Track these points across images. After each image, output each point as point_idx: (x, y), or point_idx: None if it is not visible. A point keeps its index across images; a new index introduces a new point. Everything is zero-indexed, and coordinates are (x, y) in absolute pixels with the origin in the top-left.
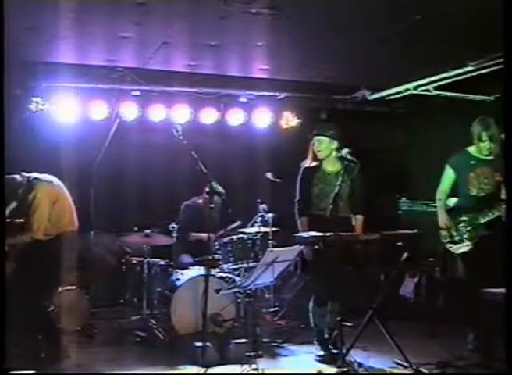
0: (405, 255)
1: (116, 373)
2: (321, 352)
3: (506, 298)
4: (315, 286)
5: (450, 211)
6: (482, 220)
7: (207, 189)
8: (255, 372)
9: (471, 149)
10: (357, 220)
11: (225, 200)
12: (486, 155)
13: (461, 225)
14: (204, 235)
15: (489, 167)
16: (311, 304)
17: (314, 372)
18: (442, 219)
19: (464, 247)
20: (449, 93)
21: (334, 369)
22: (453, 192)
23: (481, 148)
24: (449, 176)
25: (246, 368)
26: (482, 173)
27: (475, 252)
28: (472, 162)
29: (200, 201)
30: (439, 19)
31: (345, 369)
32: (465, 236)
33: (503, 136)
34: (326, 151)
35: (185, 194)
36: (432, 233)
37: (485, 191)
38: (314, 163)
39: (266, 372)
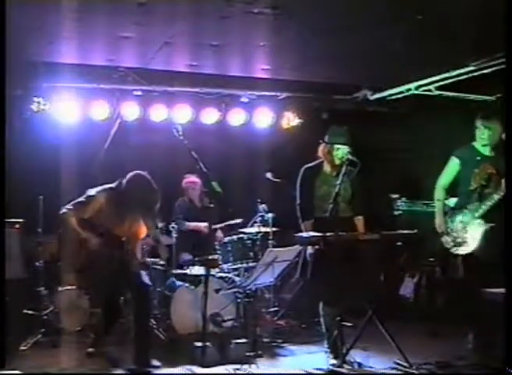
0: None
1: (116, 373)
2: (335, 361)
3: (506, 298)
4: (326, 286)
5: (448, 212)
6: (477, 214)
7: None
8: (242, 372)
9: (476, 144)
10: (359, 221)
11: (222, 200)
12: (484, 145)
13: (460, 225)
14: (201, 224)
15: (489, 163)
16: (321, 306)
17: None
18: (440, 222)
19: (468, 247)
20: (451, 93)
21: None
22: (452, 188)
23: (479, 137)
24: (454, 167)
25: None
26: (484, 170)
27: (477, 251)
28: (478, 158)
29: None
30: (440, 18)
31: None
32: (466, 235)
33: (503, 136)
34: (344, 158)
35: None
36: (432, 234)
37: (480, 185)
38: (325, 167)
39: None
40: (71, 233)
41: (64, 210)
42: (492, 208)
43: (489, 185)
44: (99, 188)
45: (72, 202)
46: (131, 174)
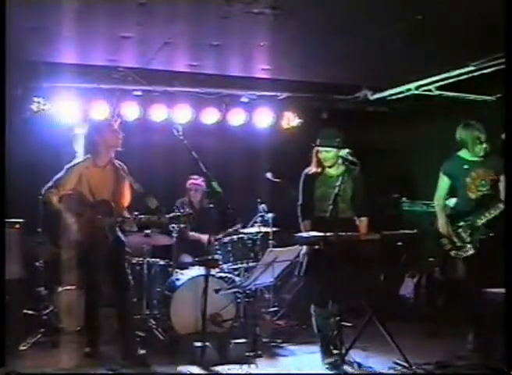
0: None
1: (116, 373)
2: (330, 359)
3: (506, 298)
4: (315, 286)
5: (449, 216)
6: (480, 222)
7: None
8: (240, 372)
9: (462, 153)
10: (361, 222)
11: (222, 200)
12: (481, 156)
13: (461, 230)
14: (204, 237)
15: (483, 168)
16: (312, 306)
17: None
18: (442, 223)
19: (466, 251)
20: (451, 93)
21: None
22: (451, 196)
23: (477, 150)
24: (444, 184)
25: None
26: (478, 176)
27: (476, 254)
28: (466, 167)
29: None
30: (440, 18)
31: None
32: (466, 240)
33: (503, 136)
34: (333, 161)
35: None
36: (432, 234)
37: (482, 193)
38: (316, 169)
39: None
40: (55, 212)
41: (45, 190)
42: (495, 217)
43: (491, 191)
44: (75, 160)
45: (52, 180)
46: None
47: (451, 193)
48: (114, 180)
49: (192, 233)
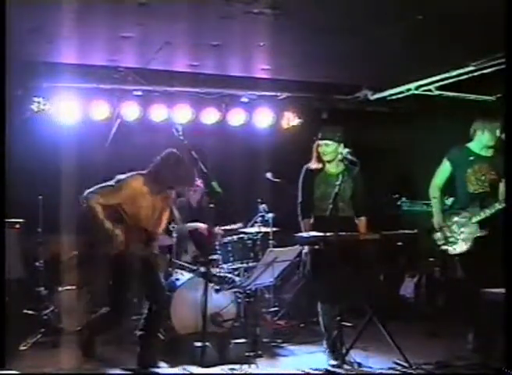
0: None
1: (116, 373)
2: (334, 361)
3: (506, 298)
4: (322, 285)
5: (445, 211)
6: (474, 220)
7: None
8: (239, 372)
9: (471, 145)
10: (361, 222)
11: (222, 200)
12: (488, 148)
13: (455, 226)
14: (201, 225)
15: (487, 164)
16: (319, 305)
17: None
18: (438, 220)
19: (458, 248)
20: (451, 93)
21: None
22: (447, 188)
23: (485, 138)
24: (445, 169)
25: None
26: (480, 170)
27: (473, 253)
28: (471, 158)
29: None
30: (441, 18)
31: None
32: (459, 237)
33: (503, 136)
34: (333, 155)
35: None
36: (432, 234)
37: (481, 188)
38: (316, 165)
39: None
40: (92, 221)
41: (87, 193)
42: (490, 215)
43: (489, 189)
44: (130, 173)
45: (99, 186)
46: (166, 152)
47: (448, 184)
48: (161, 210)
49: (188, 224)
